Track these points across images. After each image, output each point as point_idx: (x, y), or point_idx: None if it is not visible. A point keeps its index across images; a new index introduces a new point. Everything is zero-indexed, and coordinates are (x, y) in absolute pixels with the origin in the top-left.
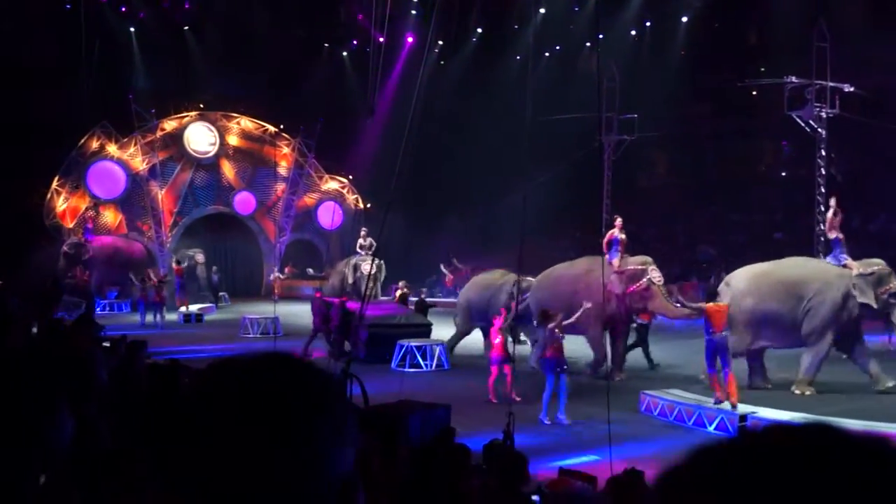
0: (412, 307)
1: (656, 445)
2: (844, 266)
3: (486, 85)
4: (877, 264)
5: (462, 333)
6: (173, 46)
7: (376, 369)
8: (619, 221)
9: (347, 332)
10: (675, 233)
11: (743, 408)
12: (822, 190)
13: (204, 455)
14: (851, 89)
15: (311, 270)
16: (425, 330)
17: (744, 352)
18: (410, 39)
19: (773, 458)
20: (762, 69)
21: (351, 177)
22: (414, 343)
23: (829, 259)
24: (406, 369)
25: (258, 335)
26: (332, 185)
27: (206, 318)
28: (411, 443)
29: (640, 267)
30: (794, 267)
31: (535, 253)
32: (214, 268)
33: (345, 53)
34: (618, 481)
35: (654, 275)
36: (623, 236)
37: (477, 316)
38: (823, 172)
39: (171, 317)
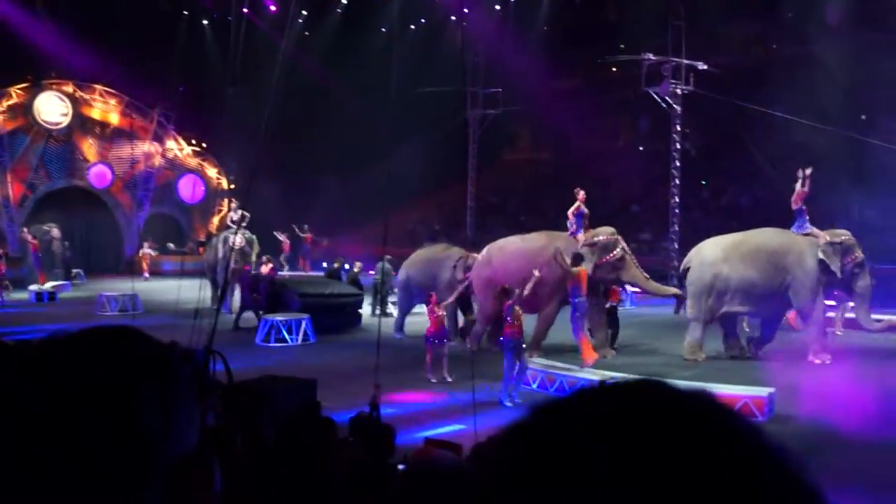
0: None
1: (521, 412)
2: (809, 234)
3: (352, 56)
4: (843, 234)
5: (405, 312)
6: (22, 13)
7: (241, 344)
8: (581, 194)
9: (277, 305)
10: (543, 205)
11: (602, 373)
12: (677, 164)
13: (26, 441)
14: (705, 67)
15: (171, 245)
16: (357, 299)
17: (714, 318)
18: (273, 8)
19: (595, 411)
20: (621, 46)
21: (212, 149)
22: (279, 318)
23: (793, 228)
24: (271, 344)
25: (116, 313)
26: (193, 157)
27: (60, 295)
28: (275, 418)
29: (611, 237)
30: (765, 236)
31: (400, 227)
32: (66, 243)
33: (205, 22)
34: (481, 448)
35: (624, 244)
36: (587, 210)
37: (417, 291)
38: (678, 147)
39: (23, 295)
